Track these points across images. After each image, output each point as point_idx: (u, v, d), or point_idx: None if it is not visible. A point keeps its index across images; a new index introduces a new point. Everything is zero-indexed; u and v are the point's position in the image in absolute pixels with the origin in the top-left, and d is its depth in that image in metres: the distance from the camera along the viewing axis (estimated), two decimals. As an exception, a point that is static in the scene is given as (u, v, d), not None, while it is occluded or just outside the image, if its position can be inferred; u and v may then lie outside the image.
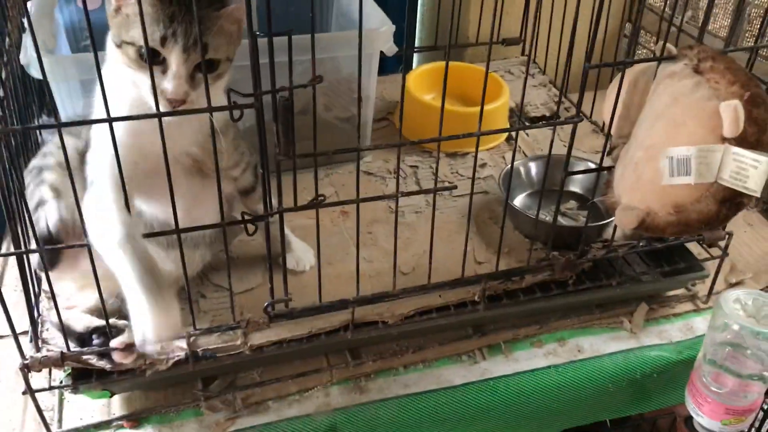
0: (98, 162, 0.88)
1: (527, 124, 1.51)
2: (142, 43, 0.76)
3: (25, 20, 1.05)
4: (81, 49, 1.41)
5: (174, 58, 0.80)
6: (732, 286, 1.24)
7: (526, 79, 0.90)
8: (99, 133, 0.88)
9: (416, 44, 1.79)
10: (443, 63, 1.54)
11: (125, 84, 0.84)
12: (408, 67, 1.81)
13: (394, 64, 1.66)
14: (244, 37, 0.77)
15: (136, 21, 0.77)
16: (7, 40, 1.04)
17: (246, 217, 0.87)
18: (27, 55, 1.08)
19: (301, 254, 1.14)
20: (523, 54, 1.73)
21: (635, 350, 1.13)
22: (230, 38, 0.84)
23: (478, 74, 1.51)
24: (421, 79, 1.51)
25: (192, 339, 0.96)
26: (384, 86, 1.62)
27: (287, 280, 0.96)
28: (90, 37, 0.70)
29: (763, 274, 1.26)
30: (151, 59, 0.77)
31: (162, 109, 0.78)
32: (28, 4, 1.24)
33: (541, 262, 1.08)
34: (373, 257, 1.17)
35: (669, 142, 0.86)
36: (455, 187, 0.97)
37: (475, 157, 0.94)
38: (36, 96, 1.25)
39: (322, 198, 0.91)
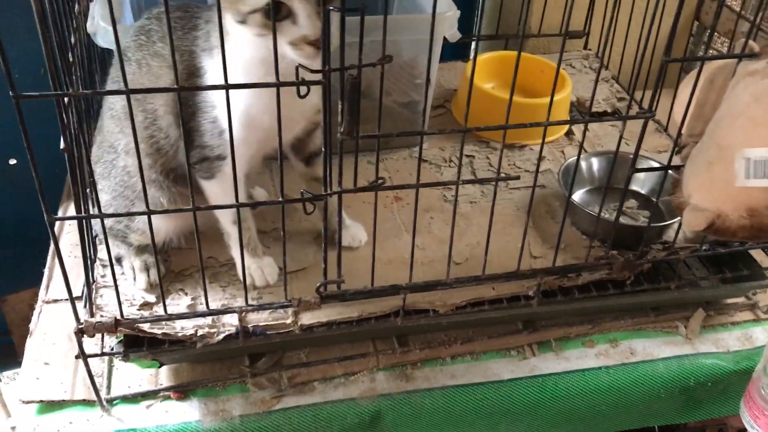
0: (218, 133, 0.92)
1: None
2: (263, 3, 0.77)
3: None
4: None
5: (302, 6, 0.80)
6: (796, 297, 1.20)
7: (598, 75, 0.87)
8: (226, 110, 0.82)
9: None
10: (504, 52, 1.53)
11: (257, 63, 0.86)
12: (467, 56, 1.78)
13: (450, 52, 1.64)
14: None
15: None
16: (76, 6, 1.05)
17: (306, 195, 0.86)
18: (94, 24, 1.09)
19: (355, 230, 1.14)
20: (585, 48, 1.69)
21: (690, 357, 1.10)
22: None
23: (540, 65, 1.48)
24: (481, 67, 1.49)
25: (243, 314, 0.96)
26: (441, 73, 1.60)
27: (341, 262, 0.95)
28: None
29: (829, 286, 1.21)
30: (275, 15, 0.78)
31: (305, 61, 0.81)
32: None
33: (599, 260, 1.05)
34: (426, 245, 1.15)
35: (747, 143, 0.82)
36: (518, 178, 0.95)
37: (541, 148, 0.92)
38: (98, 64, 1.26)
39: (382, 180, 0.89)
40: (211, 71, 0.91)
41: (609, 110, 1.48)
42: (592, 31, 1.62)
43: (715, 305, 1.17)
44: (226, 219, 1.01)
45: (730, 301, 1.18)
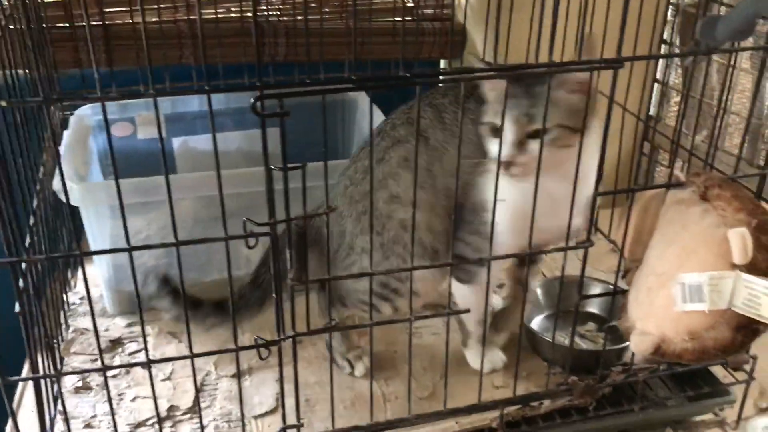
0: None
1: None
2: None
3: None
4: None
5: (508, 132, 0.93)
6: (762, 411, 1.19)
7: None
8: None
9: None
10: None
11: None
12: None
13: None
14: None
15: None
16: (41, 169, 1.10)
17: (259, 342, 0.88)
18: (58, 182, 1.14)
19: None
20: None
21: (663, 480, 1.08)
22: (565, 107, 0.93)
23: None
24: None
25: (203, 466, 0.95)
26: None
27: (299, 405, 0.95)
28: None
29: (795, 398, 1.21)
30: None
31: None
32: (64, 134, 1.32)
33: (559, 386, 1.06)
34: (391, 381, 1.16)
35: (680, 269, 0.86)
36: (468, 311, 0.97)
37: (487, 286, 0.95)
38: (69, 218, 1.31)
39: (336, 322, 0.92)
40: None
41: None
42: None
43: (683, 424, 1.16)
44: (472, 319, 1.14)
45: (698, 418, 1.18)
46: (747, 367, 1.12)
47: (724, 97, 1.05)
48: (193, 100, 1.51)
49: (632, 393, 1.11)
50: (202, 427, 0.93)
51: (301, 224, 0.82)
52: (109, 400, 0.88)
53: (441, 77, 1.21)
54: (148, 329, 1.25)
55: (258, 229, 0.82)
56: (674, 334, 0.87)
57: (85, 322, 1.26)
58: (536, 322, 1.27)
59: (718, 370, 1.17)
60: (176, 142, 1.51)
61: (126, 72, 1.35)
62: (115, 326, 1.27)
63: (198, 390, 0.92)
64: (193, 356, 0.88)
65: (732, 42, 0.90)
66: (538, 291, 1.29)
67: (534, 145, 0.92)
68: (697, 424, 1.17)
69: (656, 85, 1.80)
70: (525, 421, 1.07)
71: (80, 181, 1.17)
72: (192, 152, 1.52)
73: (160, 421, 0.91)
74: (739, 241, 0.80)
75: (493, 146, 0.97)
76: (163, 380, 1.14)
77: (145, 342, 0.87)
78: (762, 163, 1.55)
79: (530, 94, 0.93)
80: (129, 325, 1.27)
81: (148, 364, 0.87)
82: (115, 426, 0.90)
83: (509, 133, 0.93)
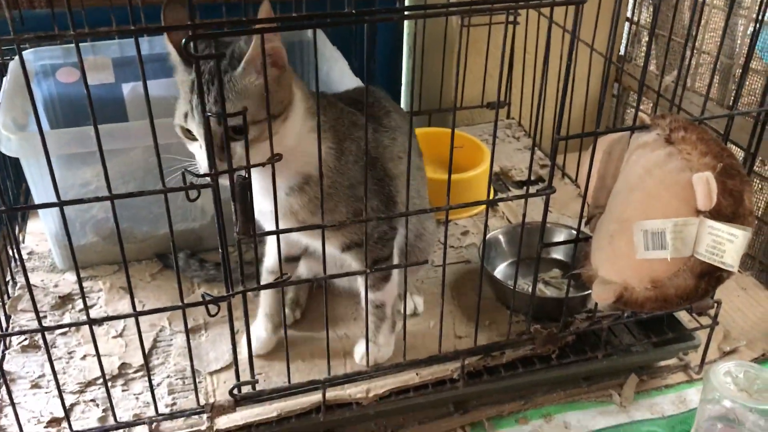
0: None
1: (510, 189, 1.49)
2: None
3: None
4: (61, 123, 1.40)
5: (195, 130, 0.81)
6: (726, 354, 1.19)
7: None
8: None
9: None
10: (427, 129, 1.55)
11: None
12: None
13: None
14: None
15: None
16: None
17: (206, 299, 0.84)
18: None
19: None
20: (508, 117, 1.72)
21: (625, 426, 1.07)
22: (257, 95, 0.79)
23: (459, 140, 1.49)
24: (404, 144, 1.50)
25: (154, 425, 0.92)
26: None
27: (253, 361, 0.92)
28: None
29: (758, 341, 1.21)
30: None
31: None
32: (3, 80, 1.24)
33: (521, 335, 1.04)
34: (352, 334, 1.13)
35: (643, 215, 0.83)
36: (426, 262, 0.94)
37: (446, 233, 0.91)
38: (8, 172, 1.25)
39: (287, 276, 0.88)
40: None
41: (533, 178, 1.50)
42: (513, 100, 1.65)
43: (647, 369, 1.16)
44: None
45: (662, 363, 1.17)
46: (711, 312, 1.11)
47: (694, 34, 1.00)
48: (143, 43, 1.43)
49: (596, 340, 1.10)
50: (152, 386, 0.90)
51: (246, 175, 0.77)
52: (50, 361, 0.84)
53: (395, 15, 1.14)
54: (100, 284, 1.21)
55: (199, 180, 0.77)
56: (636, 282, 0.85)
57: (34, 279, 1.21)
58: (500, 270, 1.25)
59: (683, 315, 1.16)
60: (126, 88, 1.43)
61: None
62: (65, 282, 1.22)
63: (144, 350, 0.88)
64: (137, 314, 0.84)
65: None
66: (501, 237, 1.26)
67: (237, 148, 0.78)
68: (661, 368, 1.17)
69: (627, 23, 1.76)
70: (487, 370, 1.05)
71: (19, 130, 1.10)
72: (143, 98, 1.44)
73: (106, 382, 0.87)
74: (704, 186, 0.77)
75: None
76: (115, 337, 1.10)
77: (85, 303, 0.83)
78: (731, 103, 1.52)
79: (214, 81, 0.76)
80: (79, 280, 1.22)
81: (89, 323, 0.83)
82: (59, 390, 0.87)
83: (200, 135, 0.80)
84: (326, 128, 0.89)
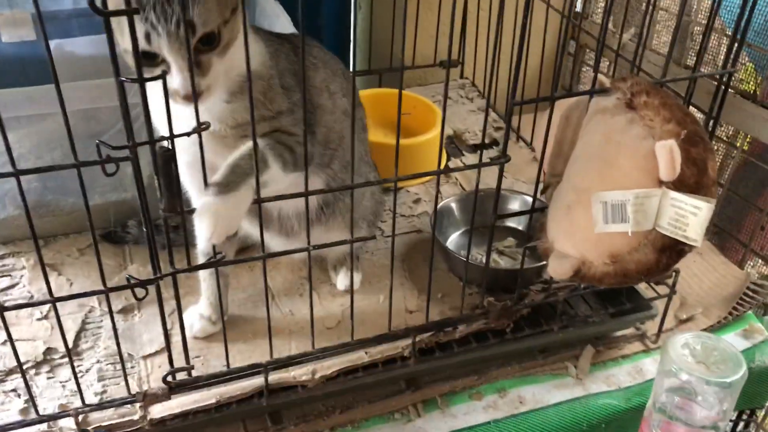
0: None
1: (464, 153, 1.43)
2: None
3: None
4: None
5: (164, 47, 0.72)
6: (682, 322, 1.17)
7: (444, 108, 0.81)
8: None
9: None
10: (376, 90, 1.47)
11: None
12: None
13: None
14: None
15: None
16: None
17: (132, 282, 0.77)
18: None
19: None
20: (462, 77, 1.65)
21: (581, 399, 1.04)
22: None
23: (412, 101, 1.42)
24: (353, 107, 1.42)
25: (81, 417, 0.85)
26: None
27: (188, 345, 0.86)
28: None
29: (713, 308, 1.18)
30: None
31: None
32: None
33: (475, 310, 0.99)
34: (296, 310, 1.07)
35: (602, 185, 0.77)
36: (374, 238, 0.88)
37: (394, 205, 0.85)
38: None
39: (222, 255, 0.81)
40: None
41: (487, 141, 1.44)
42: (466, 59, 1.58)
43: (603, 340, 1.12)
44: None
45: (619, 333, 1.14)
46: (669, 281, 1.08)
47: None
48: (67, -3, 1.32)
49: (552, 312, 1.06)
50: (75, 373, 0.82)
51: (168, 146, 0.69)
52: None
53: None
54: (23, 261, 1.12)
55: (116, 153, 0.69)
56: (595, 257, 0.80)
57: (-53, 257, 1.12)
58: (452, 240, 1.19)
59: (640, 285, 1.12)
60: (51, 46, 1.32)
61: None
62: (-16, 258, 1.13)
63: (66, 339, 0.80)
64: (54, 300, 0.76)
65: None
66: (454, 206, 1.20)
67: (212, 59, 0.75)
68: (617, 339, 1.14)
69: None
70: (439, 347, 1.00)
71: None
72: (69, 58, 1.33)
73: (23, 372, 0.79)
74: (667, 155, 0.72)
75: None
76: (40, 319, 1.02)
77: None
78: (691, 63, 1.48)
79: None
80: (0, 257, 1.13)
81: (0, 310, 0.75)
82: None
83: (172, 55, 0.73)
84: (259, 36, 0.87)
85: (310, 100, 0.92)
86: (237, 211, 0.78)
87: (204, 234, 0.77)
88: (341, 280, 1.08)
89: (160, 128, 0.80)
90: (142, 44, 0.72)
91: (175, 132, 0.69)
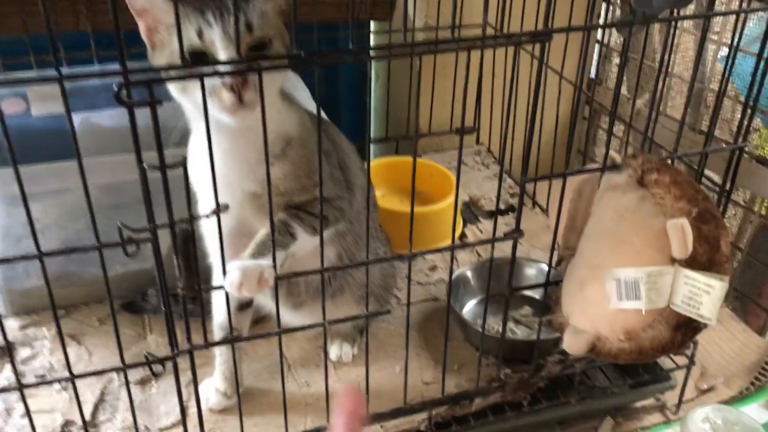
0: None
1: (480, 220, 1.44)
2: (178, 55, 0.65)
3: None
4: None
5: (218, 40, 0.73)
6: (703, 393, 1.15)
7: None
8: None
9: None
10: (392, 159, 1.49)
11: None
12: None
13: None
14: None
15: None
16: None
17: (150, 359, 0.78)
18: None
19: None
20: (477, 143, 1.68)
21: (601, 473, 1.03)
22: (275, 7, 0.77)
23: (428, 169, 1.44)
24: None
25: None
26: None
27: (203, 419, 0.86)
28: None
29: (735, 378, 1.17)
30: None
31: (225, 116, 0.75)
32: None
33: (491, 382, 0.99)
34: (313, 381, 1.06)
35: (615, 262, 0.78)
36: (388, 312, 0.88)
37: (409, 278, 0.86)
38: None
39: (238, 334, 0.82)
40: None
41: (503, 207, 1.45)
42: (482, 125, 1.61)
43: (622, 411, 1.11)
44: None
45: (638, 404, 1.13)
46: (688, 352, 1.07)
47: (666, 58, 0.96)
48: (93, 70, 1.36)
49: (569, 383, 1.05)
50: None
51: (187, 227, 0.71)
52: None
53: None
54: (44, 331, 1.13)
55: (137, 234, 0.71)
56: (610, 333, 0.80)
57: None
58: (468, 308, 1.19)
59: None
60: (76, 120, 1.36)
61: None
62: (8, 329, 1.14)
63: (83, 415, 0.81)
64: (73, 377, 0.77)
65: (671, 10, 0.81)
66: (470, 274, 1.21)
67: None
68: (637, 410, 1.12)
69: (596, 45, 1.72)
70: (455, 420, 0.99)
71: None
72: (96, 131, 1.37)
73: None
74: (679, 233, 0.73)
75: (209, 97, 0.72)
76: (59, 391, 1.03)
77: (15, 368, 0.76)
78: (704, 128, 1.49)
79: None
80: (23, 327, 1.14)
81: (20, 388, 0.76)
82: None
83: (222, 43, 0.73)
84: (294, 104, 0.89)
85: (341, 163, 0.95)
86: (265, 275, 0.78)
87: (234, 285, 0.77)
88: (334, 351, 1.08)
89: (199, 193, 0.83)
90: (194, 41, 0.74)
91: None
